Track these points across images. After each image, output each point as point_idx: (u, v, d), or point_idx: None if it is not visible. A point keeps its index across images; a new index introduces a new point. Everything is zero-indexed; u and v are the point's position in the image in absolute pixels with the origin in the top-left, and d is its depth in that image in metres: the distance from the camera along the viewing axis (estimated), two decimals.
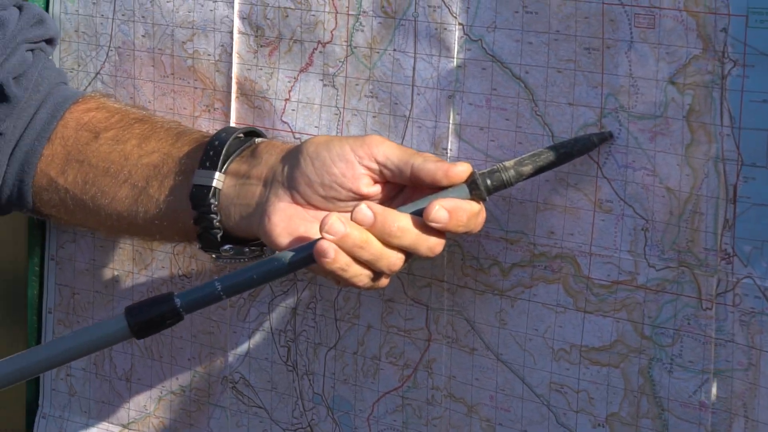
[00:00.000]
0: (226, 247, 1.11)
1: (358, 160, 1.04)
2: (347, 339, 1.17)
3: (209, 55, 1.21)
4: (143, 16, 1.25)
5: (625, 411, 1.02)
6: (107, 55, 1.28)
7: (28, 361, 1.02)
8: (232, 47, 1.20)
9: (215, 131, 1.16)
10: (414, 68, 1.10)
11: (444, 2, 1.07)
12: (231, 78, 1.21)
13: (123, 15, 1.26)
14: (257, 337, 1.22)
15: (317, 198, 1.05)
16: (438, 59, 1.08)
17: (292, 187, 1.06)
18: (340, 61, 1.14)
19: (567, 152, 0.98)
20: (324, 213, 1.05)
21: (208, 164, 1.11)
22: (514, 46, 1.04)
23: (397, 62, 1.10)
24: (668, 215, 0.98)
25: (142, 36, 1.25)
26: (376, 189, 1.05)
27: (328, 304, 1.17)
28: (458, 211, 0.99)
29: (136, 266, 1.29)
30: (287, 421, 1.21)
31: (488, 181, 0.99)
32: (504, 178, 0.99)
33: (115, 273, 1.31)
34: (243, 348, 1.23)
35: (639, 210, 0.99)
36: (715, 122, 0.94)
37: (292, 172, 1.06)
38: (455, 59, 1.07)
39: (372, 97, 1.13)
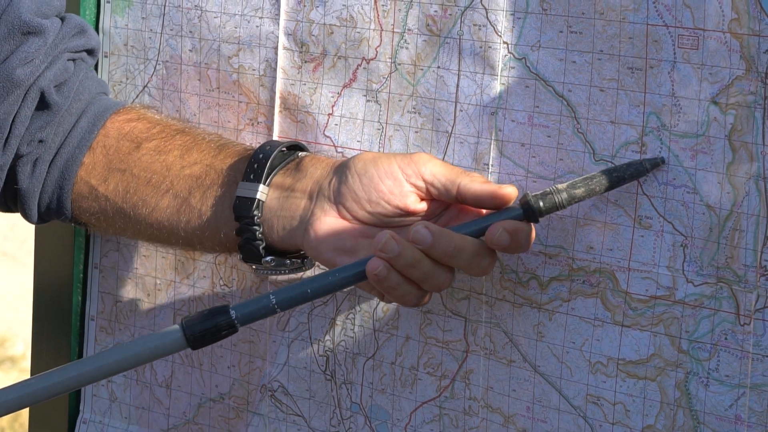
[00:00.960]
0: (268, 258, 1.13)
1: (405, 178, 1.06)
2: (385, 349, 1.19)
3: (254, 70, 1.24)
4: (191, 31, 1.27)
5: (661, 424, 1.04)
6: (155, 68, 1.31)
7: (83, 369, 1.04)
8: (276, 63, 1.22)
9: (258, 144, 1.18)
10: (457, 85, 1.12)
11: (489, 21, 1.09)
12: (275, 93, 1.23)
13: (171, 30, 1.29)
14: (296, 347, 1.24)
15: (364, 213, 1.07)
16: (482, 77, 1.10)
17: (338, 201, 1.08)
18: (383, 78, 1.16)
19: (619, 176, 1.00)
20: (369, 228, 1.07)
21: (252, 176, 1.13)
22: (557, 64, 1.06)
23: (440, 79, 1.13)
24: (707, 232, 1.00)
25: (189, 50, 1.28)
26: (423, 206, 1.07)
27: (366, 315, 1.19)
28: (518, 234, 1.02)
29: (178, 275, 1.31)
30: (325, 429, 1.23)
31: (541, 203, 1.01)
32: (557, 200, 1.01)
33: (158, 282, 1.33)
34: (282, 357, 1.25)
35: (678, 227, 1.01)
36: (757, 141, 0.97)
37: (339, 187, 1.08)
38: (499, 77, 1.09)
39: (415, 113, 1.15)
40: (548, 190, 1.02)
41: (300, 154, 1.16)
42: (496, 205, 1.03)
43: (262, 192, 1.13)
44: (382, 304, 1.18)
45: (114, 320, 1.36)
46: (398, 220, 1.07)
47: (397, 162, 1.06)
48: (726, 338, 0.99)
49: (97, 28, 1.33)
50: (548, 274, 1.08)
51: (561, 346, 1.08)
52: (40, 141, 1.19)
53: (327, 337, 1.22)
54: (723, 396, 1.00)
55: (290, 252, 1.14)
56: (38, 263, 1.41)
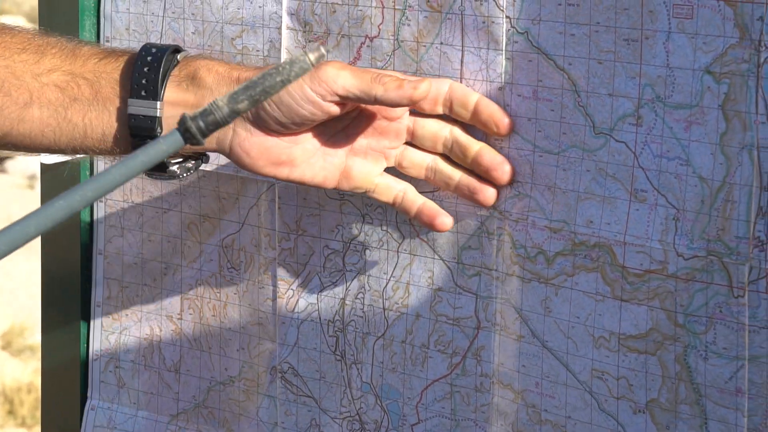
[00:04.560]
0: (174, 168, 1.21)
1: (321, 98, 1.16)
2: (396, 328, 1.29)
3: (258, 50, 1.34)
4: (193, 14, 1.37)
5: (665, 397, 1.13)
6: None
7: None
8: (280, 43, 1.32)
9: (122, 50, 1.22)
10: (462, 61, 1.22)
11: None
12: None
13: (173, 12, 1.39)
14: (306, 327, 1.35)
15: (291, 127, 1.18)
16: (486, 52, 1.20)
17: (261, 125, 1.17)
18: (387, 55, 1.26)
19: (284, 80, 0.89)
20: (301, 135, 1.19)
21: (144, 93, 1.18)
22: (557, 38, 1.15)
23: (444, 55, 1.23)
24: (699, 204, 1.09)
25: (192, 33, 1.38)
26: (347, 107, 1.19)
27: (376, 294, 1.30)
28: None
29: (184, 259, 1.42)
30: (336, 409, 1.34)
31: (201, 123, 0.92)
32: (218, 117, 0.91)
33: (163, 266, 1.44)
34: (292, 338, 1.36)
35: (671, 200, 1.11)
36: (750, 110, 1.06)
37: (258, 112, 1.16)
38: (504, 51, 1.19)
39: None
40: (207, 108, 0.92)
41: (179, 57, 1.21)
42: (413, 104, 1.17)
43: (160, 110, 1.18)
44: (391, 282, 1.28)
45: (120, 306, 1.47)
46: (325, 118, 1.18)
47: (308, 85, 1.15)
48: (721, 311, 1.09)
49: (98, 13, 1.43)
50: (553, 249, 1.18)
51: (567, 321, 1.18)
52: None
53: (336, 318, 1.33)
54: (722, 368, 1.10)
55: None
56: (45, 251, 1.52)
